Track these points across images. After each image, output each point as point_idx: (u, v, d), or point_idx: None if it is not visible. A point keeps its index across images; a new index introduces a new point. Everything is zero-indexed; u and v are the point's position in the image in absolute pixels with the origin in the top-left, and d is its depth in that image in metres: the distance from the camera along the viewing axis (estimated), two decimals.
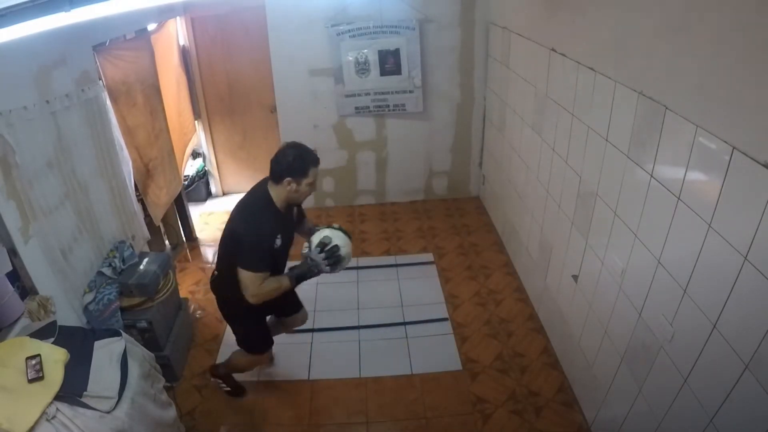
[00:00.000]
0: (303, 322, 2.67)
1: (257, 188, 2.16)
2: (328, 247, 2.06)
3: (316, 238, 2.11)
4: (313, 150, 2.04)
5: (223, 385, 2.65)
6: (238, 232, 2.02)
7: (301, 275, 2.11)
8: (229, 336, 3.04)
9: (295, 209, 2.27)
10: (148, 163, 3.25)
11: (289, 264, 2.22)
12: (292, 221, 2.26)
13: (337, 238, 2.10)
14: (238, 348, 2.44)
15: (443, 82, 4.09)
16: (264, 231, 1.99)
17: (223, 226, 2.23)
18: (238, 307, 2.14)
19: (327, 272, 2.11)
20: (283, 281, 2.07)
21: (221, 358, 2.88)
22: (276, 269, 2.10)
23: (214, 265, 2.31)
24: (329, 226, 2.18)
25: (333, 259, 2.07)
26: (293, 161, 1.97)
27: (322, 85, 4.06)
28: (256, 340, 2.39)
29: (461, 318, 3.10)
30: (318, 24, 3.83)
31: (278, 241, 2.05)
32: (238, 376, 2.64)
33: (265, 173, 2.08)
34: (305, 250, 2.15)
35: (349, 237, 2.16)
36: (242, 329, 2.37)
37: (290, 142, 2.05)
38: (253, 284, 1.98)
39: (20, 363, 1.67)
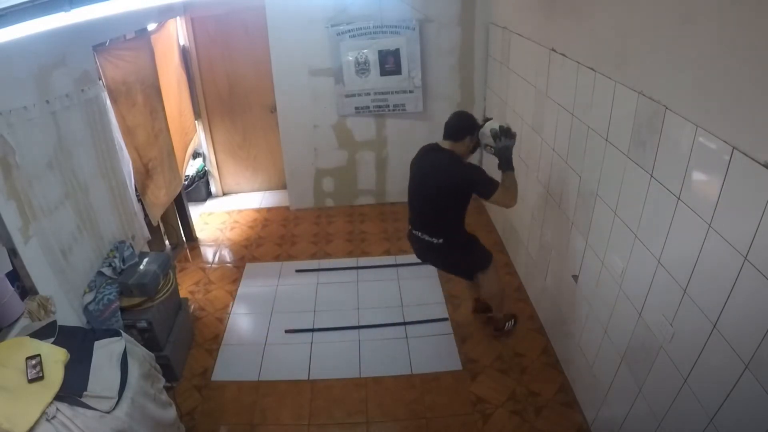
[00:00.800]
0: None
1: (438, 151, 2.53)
2: (496, 129, 2.44)
3: (492, 132, 2.45)
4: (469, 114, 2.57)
5: (512, 322, 2.94)
6: (466, 180, 2.42)
7: (507, 161, 2.47)
8: (229, 336, 3.06)
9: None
10: (148, 163, 3.25)
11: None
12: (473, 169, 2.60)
13: (496, 124, 2.49)
14: (477, 289, 2.89)
15: (443, 82, 4.09)
16: (479, 169, 2.53)
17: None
18: (462, 242, 2.61)
19: (513, 144, 2.47)
20: (510, 175, 2.47)
21: (221, 358, 2.89)
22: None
23: (430, 239, 2.56)
24: (490, 121, 2.54)
25: (508, 135, 2.45)
26: (467, 124, 2.50)
27: (322, 85, 4.06)
28: (484, 253, 2.70)
29: (461, 318, 3.10)
30: (318, 24, 3.83)
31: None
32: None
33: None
34: (486, 141, 2.51)
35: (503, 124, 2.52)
36: (472, 253, 2.68)
37: (460, 112, 2.58)
38: (505, 194, 2.40)
39: (20, 363, 1.67)
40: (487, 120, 2.57)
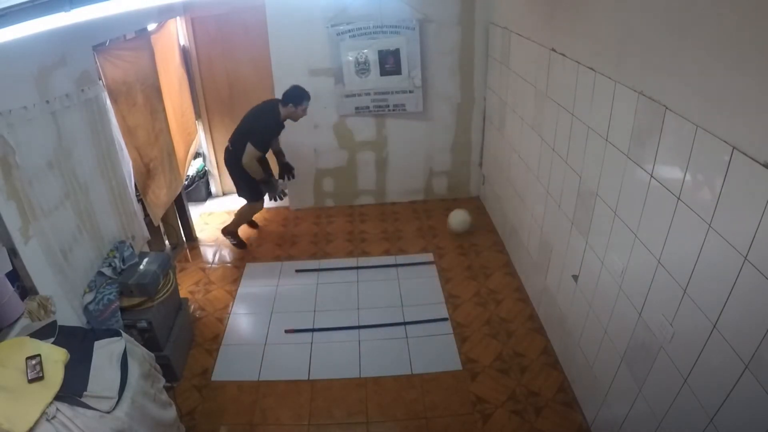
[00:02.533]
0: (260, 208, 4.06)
1: (272, 102, 3.59)
2: (285, 192, 3.84)
3: (282, 184, 3.89)
4: (307, 91, 3.51)
5: (232, 239, 3.99)
6: (256, 123, 3.50)
7: (265, 181, 3.70)
8: (229, 336, 3.06)
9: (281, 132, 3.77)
10: (149, 163, 3.25)
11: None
12: (281, 129, 3.70)
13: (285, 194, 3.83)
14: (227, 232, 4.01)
15: (443, 82, 4.09)
16: (270, 127, 3.55)
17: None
18: (241, 169, 3.57)
19: (270, 197, 3.81)
20: (259, 171, 3.59)
21: (221, 358, 2.89)
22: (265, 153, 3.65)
23: (228, 144, 3.70)
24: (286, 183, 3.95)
25: (280, 197, 3.79)
26: (295, 95, 3.46)
27: (322, 85, 4.05)
28: (252, 191, 3.81)
29: (461, 318, 3.10)
30: (318, 24, 3.83)
31: (272, 139, 3.64)
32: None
33: None
34: (273, 180, 3.80)
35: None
36: (244, 184, 3.76)
37: (296, 85, 3.52)
38: (250, 157, 3.47)
39: (20, 363, 1.67)
40: (283, 185, 3.90)
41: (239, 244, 4.01)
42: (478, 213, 4.35)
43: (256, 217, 4.46)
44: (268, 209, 4.67)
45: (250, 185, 3.75)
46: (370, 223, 4.32)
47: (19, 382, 1.62)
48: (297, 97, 3.45)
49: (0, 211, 1.91)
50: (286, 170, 4.00)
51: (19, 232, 2.00)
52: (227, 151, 3.73)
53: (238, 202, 4.76)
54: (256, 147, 3.44)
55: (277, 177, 3.93)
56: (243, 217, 3.96)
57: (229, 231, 3.99)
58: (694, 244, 1.45)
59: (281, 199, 3.78)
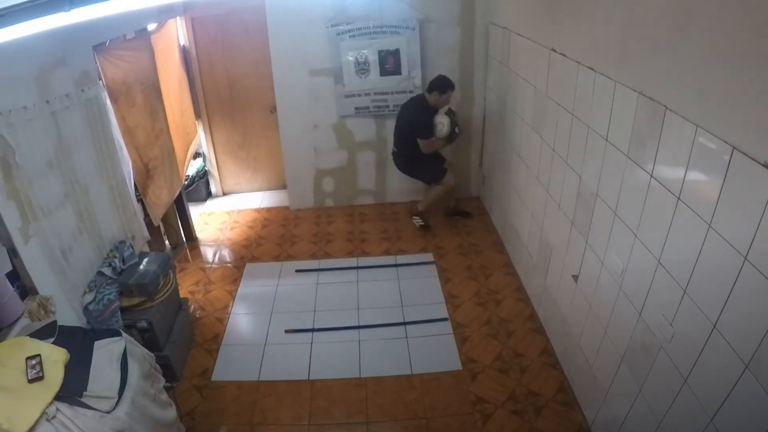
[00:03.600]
0: (454, 178, 4.08)
1: (418, 96, 3.82)
2: (450, 119, 3.75)
3: (441, 116, 3.76)
4: (452, 80, 3.65)
5: (420, 220, 4.12)
6: (416, 122, 3.70)
7: (450, 139, 3.78)
8: (229, 336, 3.06)
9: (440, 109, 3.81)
10: (148, 164, 3.25)
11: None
12: (435, 113, 3.76)
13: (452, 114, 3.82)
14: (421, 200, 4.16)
15: None
16: (427, 118, 3.69)
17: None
18: (418, 160, 3.86)
19: (460, 136, 3.89)
20: (440, 141, 3.76)
21: (221, 358, 2.89)
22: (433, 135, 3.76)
23: (393, 147, 4.01)
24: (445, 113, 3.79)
25: (452, 121, 3.75)
26: (439, 83, 3.61)
27: (322, 85, 4.06)
28: (439, 169, 3.93)
29: (461, 318, 3.10)
30: (318, 24, 3.83)
31: (433, 125, 3.73)
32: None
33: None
34: (440, 127, 3.75)
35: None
36: (429, 168, 3.93)
37: (442, 74, 3.68)
38: (428, 146, 3.74)
39: (20, 363, 1.67)
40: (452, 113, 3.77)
41: (425, 226, 4.11)
42: (478, 213, 4.35)
43: (260, 222, 4.46)
44: (269, 209, 4.68)
45: (432, 167, 3.91)
46: (370, 223, 4.32)
47: (19, 382, 1.62)
48: (441, 86, 3.58)
49: (0, 211, 1.91)
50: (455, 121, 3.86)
51: (19, 232, 2.00)
52: (394, 154, 3.99)
53: (240, 203, 4.79)
54: (425, 138, 3.67)
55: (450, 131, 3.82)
56: (438, 195, 4.02)
57: (419, 213, 4.10)
58: (694, 244, 1.45)
59: (455, 130, 3.77)
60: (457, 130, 3.75)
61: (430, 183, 4.06)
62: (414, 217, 4.13)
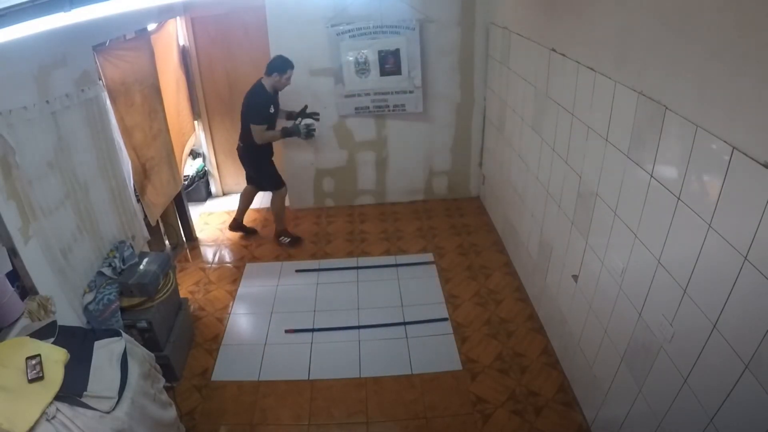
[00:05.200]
0: (281, 201, 3.99)
1: (257, 81, 3.56)
2: (312, 127, 3.68)
3: (308, 120, 3.72)
4: (290, 60, 3.51)
5: (286, 238, 4.00)
6: (247, 103, 3.53)
7: (288, 132, 3.63)
8: (229, 336, 3.06)
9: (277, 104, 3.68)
10: (145, 164, 3.24)
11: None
12: (277, 100, 3.67)
13: (315, 124, 3.74)
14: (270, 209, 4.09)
15: (443, 82, 4.09)
16: (261, 101, 3.50)
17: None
18: (257, 159, 3.73)
19: (301, 137, 3.69)
20: (277, 133, 3.62)
21: (221, 358, 2.89)
22: (271, 127, 3.61)
23: (239, 141, 3.76)
24: (311, 116, 3.79)
25: (309, 132, 3.66)
26: (277, 64, 3.48)
27: (322, 85, 4.06)
28: (275, 176, 3.85)
29: (461, 318, 3.10)
30: (318, 24, 3.83)
31: (271, 109, 3.57)
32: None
33: None
34: (296, 121, 3.69)
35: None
36: (266, 172, 3.81)
37: (279, 54, 3.54)
38: (258, 133, 3.51)
39: (20, 363, 1.67)
40: (309, 120, 3.73)
41: (293, 240, 4.03)
42: (478, 213, 4.35)
43: (260, 223, 4.46)
44: (269, 209, 4.67)
45: (269, 172, 3.82)
46: (370, 223, 4.32)
47: (19, 382, 1.62)
48: (279, 66, 3.47)
49: (0, 211, 1.91)
50: (305, 114, 3.80)
51: (19, 232, 2.00)
52: (239, 148, 3.80)
53: (238, 202, 4.78)
54: (256, 123, 3.48)
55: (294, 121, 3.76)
56: (279, 210, 3.98)
57: (280, 232, 4.03)
58: (694, 244, 1.45)
59: (312, 135, 3.69)
60: (300, 121, 3.68)
61: (263, 188, 4.00)
62: (280, 238, 4.03)
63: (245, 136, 3.63)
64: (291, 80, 3.58)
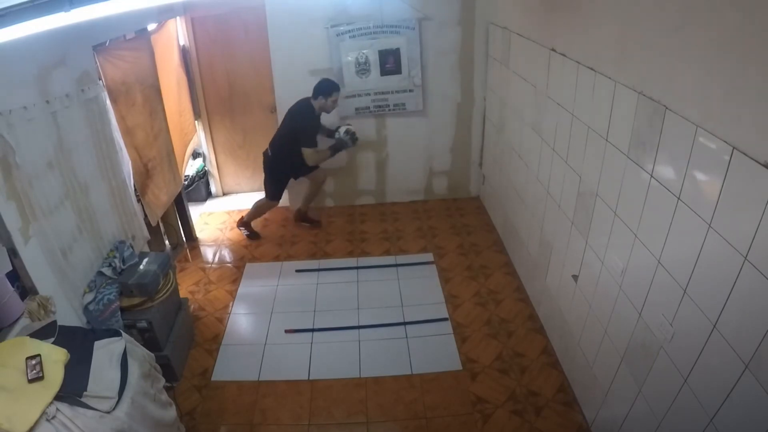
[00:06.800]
0: (325, 176, 4.21)
1: (304, 99, 3.66)
2: (352, 130, 3.79)
3: (343, 128, 3.80)
4: (336, 83, 3.62)
5: (245, 230, 4.15)
6: (296, 125, 3.61)
7: (335, 148, 3.75)
8: (229, 336, 3.06)
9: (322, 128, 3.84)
10: (147, 164, 3.25)
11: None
12: (320, 122, 3.76)
13: (351, 127, 3.82)
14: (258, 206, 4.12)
15: (443, 82, 4.09)
16: (310, 124, 3.62)
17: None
18: (282, 171, 3.88)
19: (349, 146, 3.82)
20: (327, 153, 3.72)
21: (221, 358, 2.89)
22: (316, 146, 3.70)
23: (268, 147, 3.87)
24: (347, 125, 3.85)
25: (353, 139, 3.78)
26: (325, 87, 3.55)
27: None
28: (275, 191, 3.99)
29: (461, 318, 3.10)
30: (318, 24, 3.83)
31: (317, 134, 3.72)
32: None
33: None
34: (337, 134, 3.81)
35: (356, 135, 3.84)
36: (276, 182, 3.96)
37: (325, 77, 3.64)
38: (311, 155, 3.63)
39: (20, 363, 1.67)
40: (345, 126, 3.82)
41: (252, 235, 4.15)
42: (478, 213, 4.35)
43: (260, 223, 4.48)
44: (257, 204, 4.67)
45: (278, 186, 3.97)
46: (370, 223, 4.32)
47: (19, 382, 1.62)
48: (325, 89, 3.53)
49: (0, 211, 1.91)
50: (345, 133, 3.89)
51: (19, 232, 2.00)
52: (265, 155, 3.86)
53: (240, 203, 4.79)
54: (308, 146, 3.58)
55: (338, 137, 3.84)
56: (259, 210, 4.10)
57: (244, 222, 4.15)
58: (694, 244, 1.45)
59: (357, 139, 3.81)
60: (355, 136, 3.78)
61: (265, 192, 4.05)
62: (240, 227, 4.19)
63: (278, 148, 3.74)
64: (337, 103, 3.65)
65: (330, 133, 3.89)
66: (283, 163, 3.79)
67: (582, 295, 2.32)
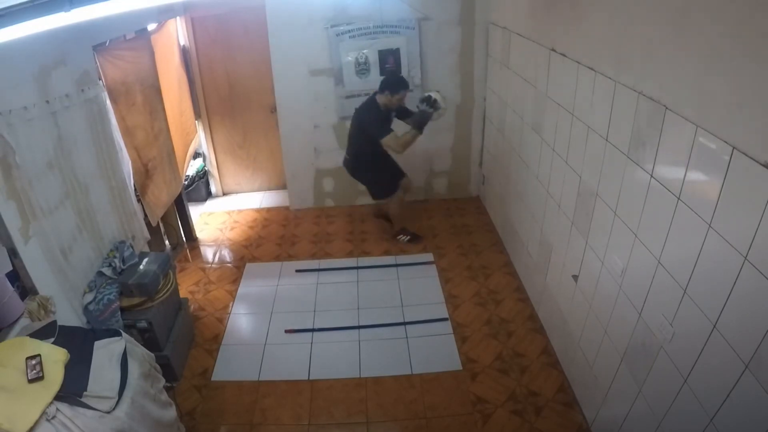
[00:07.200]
0: (410, 183, 3.93)
1: (368, 97, 3.50)
2: (429, 96, 3.27)
3: (422, 97, 3.34)
4: (406, 80, 3.44)
5: (404, 236, 3.91)
6: (365, 120, 3.40)
7: (419, 122, 3.29)
8: (229, 336, 3.06)
9: (393, 113, 3.52)
10: (147, 164, 3.25)
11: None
12: (390, 116, 3.49)
13: (432, 92, 3.32)
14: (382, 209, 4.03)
15: (443, 82, 4.09)
16: (377, 117, 3.36)
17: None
18: (368, 166, 3.60)
19: (431, 112, 3.28)
20: (411, 131, 3.31)
21: (221, 358, 2.89)
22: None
23: (345, 154, 3.74)
24: (429, 91, 3.40)
25: (430, 103, 3.24)
26: (391, 83, 3.34)
27: (322, 85, 4.06)
28: (388, 183, 3.71)
29: (461, 318, 3.10)
30: (318, 24, 3.83)
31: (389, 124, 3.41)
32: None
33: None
34: (419, 108, 3.35)
35: (442, 96, 3.34)
36: (375, 178, 3.70)
37: (395, 72, 3.65)
38: (393, 142, 3.29)
39: (20, 363, 1.67)
40: (436, 91, 3.34)
41: (413, 237, 3.93)
42: (478, 213, 4.35)
43: (260, 222, 4.47)
44: (269, 209, 4.68)
45: (382, 179, 3.69)
46: (370, 223, 4.32)
47: (19, 382, 1.62)
48: (393, 85, 3.32)
49: (0, 211, 1.91)
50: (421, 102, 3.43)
51: (19, 232, 2.00)
52: (346, 161, 3.71)
53: (240, 203, 4.79)
54: (385, 134, 3.29)
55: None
56: (398, 209, 3.85)
57: (399, 231, 3.93)
58: (694, 244, 1.45)
59: (438, 105, 3.27)
60: (435, 103, 3.27)
61: (378, 197, 3.86)
62: (398, 237, 3.93)
63: (356, 147, 3.56)
64: (404, 101, 3.42)
65: (404, 117, 3.55)
66: (365, 156, 3.54)
67: (582, 295, 2.32)
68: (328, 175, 4.49)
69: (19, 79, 2.10)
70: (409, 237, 3.91)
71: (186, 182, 4.44)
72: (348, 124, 4.22)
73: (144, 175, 3.21)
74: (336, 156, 4.37)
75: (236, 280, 3.63)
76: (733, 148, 1.27)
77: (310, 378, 2.72)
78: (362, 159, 3.55)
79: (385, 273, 3.62)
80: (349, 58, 3.93)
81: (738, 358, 1.29)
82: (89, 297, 2.41)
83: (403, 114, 3.53)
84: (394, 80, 3.35)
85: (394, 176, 3.74)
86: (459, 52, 4.00)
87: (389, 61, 3.93)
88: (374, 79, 3.98)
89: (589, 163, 2.18)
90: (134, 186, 3.09)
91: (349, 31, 3.84)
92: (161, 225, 3.71)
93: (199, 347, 2.99)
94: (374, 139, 3.33)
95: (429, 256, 3.77)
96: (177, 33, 4.08)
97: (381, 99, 3.35)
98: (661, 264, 1.64)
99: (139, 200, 3.18)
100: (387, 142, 3.27)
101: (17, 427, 1.47)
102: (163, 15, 3.71)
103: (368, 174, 3.69)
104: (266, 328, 3.13)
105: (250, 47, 4.24)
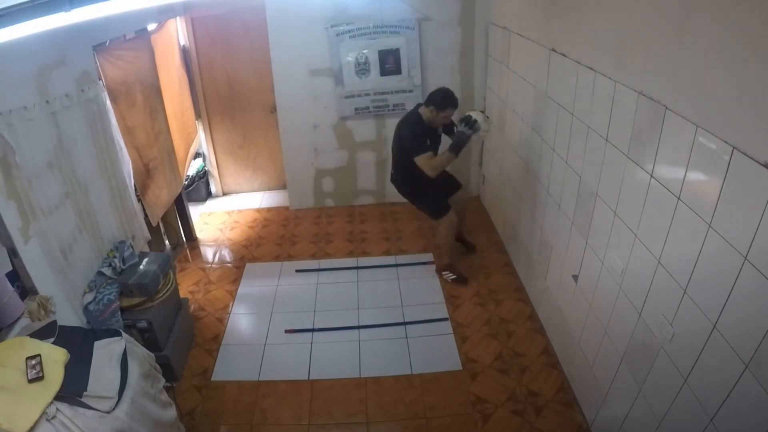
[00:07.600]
0: (468, 195, 3.76)
1: (415, 108, 3.23)
2: (465, 116, 2.93)
3: (463, 119, 2.95)
4: (456, 97, 3.06)
5: (451, 274, 3.43)
6: (403, 136, 3.11)
7: (456, 144, 2.96)
8: (229, 336, 3.06)
9: (440, 128, 3.25)
10: (148, 164, 3.25)
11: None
12: (437, 132, 3.23)
13: (473, 113, 2.94)
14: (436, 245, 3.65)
15: (443, 82, 4.04)
16: (418, 131, 3.05)
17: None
18: (417, 187, 3.25)
19: (470, 134, 2.92)
20: (446, 154, 2.98)
21: (221, 358, 2.89)
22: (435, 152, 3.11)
23: (391, 170, 3.42)
24: (471, 110, 3.01)
25: (469, 124, 2.89)
26: (438, 97, 3.02)
27: (321, 85, 4.06)
28: (440, 205, 3.31)
29: (461, 318, 3.10)
30: (318, 24, 3.83)
31: (428, 141, 3.06)
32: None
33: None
34: (457, 129, 3.00)
35: (485, 117, 2.98)
36: (427, 201, 3.33)
37: (445, 87, 3.08)
38: (426, 163, 2.99)
39: (20, 363, 1.67)
40: (479, 111, 2.99)
41: (460, 279, 3.40)
42: (478, 213, 4.35)
43: (260, 222, 4.46)
44: (269, 209, 4.68)
45: (432, 199, 3.30)
46: (370, 223, 4.32)
47: (19, 382, 1.62)
48: (439, 100, 3.00)
49: (0, 211, 1.91)
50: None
51: (19, 232, 2.00)
52: (392, 177, 3.41)
53: (240, 203, 4.79)
54: (418, 154, 2.98)
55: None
56: (448, 239, 3.39)
57: (446, 266, 3.44)
58: (694, 244, 1.45)
59: (477, 126, 2.87)
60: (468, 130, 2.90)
61: (430, 217, 3.44)
62: (443, 273, 3.45)
63: (398, 165, 3.27)
64: (449, 119, 3.14)
65: (451, 132, 3.25)
66: (404, 177, 3.28)
67: (582, 295, 2.32)
68: (328, 175, 4.49)
69: (19, 79, 2.10)
70: (455, 277, 3.42)
71: (186, 182, 4.44)
72: (348, 124, 4.25)
73: (145, 175, 3.21)
74: (336, 156, 4.38)
75: (236, 280, 3.63)
76: (733, 148, 1.27)
77: (310, 378, 2.72)
78: (405, 173, 3.24)
79: (385, 273, 3.62)
80: (349, 58, 3.93)
81: (738, 358, 1.29)
82: (89, 297, 2.41)
83: (451, 132, 3.23)
84: (441, 95, 3.01)
85: (441, 194, 3.34)
86: (459, 52, 4.00)
87: (389, 61, 3.93)
88: (374, 79, 3.99)
89: (589, 163, 2.18)
90: (134, 186, 3.09)
91: (349, 31, 3.84)
92: (161, 225, 3.71)
93: (199, 347, 2.99)
94: (408, 158, 3.05)
95: (429, 256, 3.77)
96: (177, 33, 4.08)
97: (425, 113, 3.07)
98: (661, 264, 1.64)
99: (139, 200, 3.18)
100: (420, 160, 2.98)
101: (17, 427, 1.47)
102: (163, 15, 3.71)
103: (415, 194, 3.36)
104: (266, 328, 3.13)
105: (250, 47, 4.24)
